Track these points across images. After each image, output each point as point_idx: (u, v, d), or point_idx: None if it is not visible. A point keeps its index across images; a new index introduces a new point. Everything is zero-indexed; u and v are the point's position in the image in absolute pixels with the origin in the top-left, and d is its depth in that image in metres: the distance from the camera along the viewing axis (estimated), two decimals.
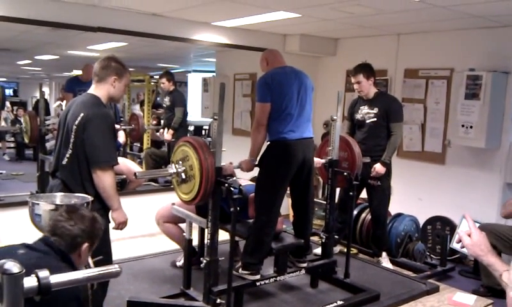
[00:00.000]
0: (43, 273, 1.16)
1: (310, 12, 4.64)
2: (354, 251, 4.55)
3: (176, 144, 3.13)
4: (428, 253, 4.79)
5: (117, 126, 5.96)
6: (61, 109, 8.23)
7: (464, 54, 5.09)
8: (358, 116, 4.49)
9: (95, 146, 2.66)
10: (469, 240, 1.60)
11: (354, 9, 4.40)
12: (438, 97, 5.36)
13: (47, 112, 8.11)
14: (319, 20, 5.00)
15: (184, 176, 2.98)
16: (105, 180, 2.67)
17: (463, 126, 4.93)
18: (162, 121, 7.01)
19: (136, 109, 9.19)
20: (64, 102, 6.42)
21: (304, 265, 3.67)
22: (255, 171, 3.59)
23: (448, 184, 5.26)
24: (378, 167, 4.30)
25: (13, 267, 1.08)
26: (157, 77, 7.88)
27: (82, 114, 2.69)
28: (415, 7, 4.17)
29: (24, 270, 1.09)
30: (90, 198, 2.44)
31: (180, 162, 3.00)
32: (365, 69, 4.39)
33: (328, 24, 5.24)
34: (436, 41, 5.35)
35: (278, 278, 3.48)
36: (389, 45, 5.78)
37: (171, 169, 3.04)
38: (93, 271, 1.29)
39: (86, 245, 1.95)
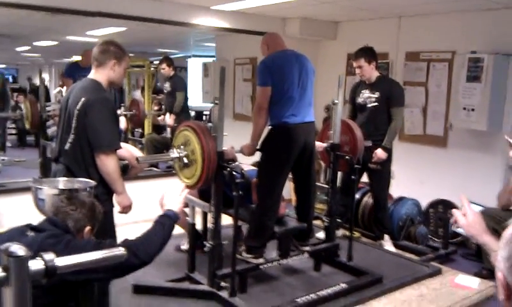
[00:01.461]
0: (49, 256, 1.16)
1: None
2: (356, 234, 4.56)
3: (178, 129, 3.12)
4: (430, 236, 4.80)
5: (118, 111, 5.95)
6: (62, 95, 8.21)
7: (465, 37, 5.06)
8: (359, 100, 4.47)
9: (97, 131, 2.66)
10: (464, 220, 1.61)
11: None
12: (439, 80, 5.33)
13: (47, 99, 8.10)
14: (319, 2, 4.96)
15: (185, 161, 2.97)
16: (108, 164, 2.67)
17: (464, 109, 4.91)
18: (163, 107, 6.99)
19: (137, 94, 9.16)
20: (65, 88, 6.39)
21: (307, 248, 3.67)
22: (257, 156, 3.58)
23: (450, 167, 5.26)
24: (379, 153, 4.29)
25: (18, 249, 1.07)
26: (157, 62, 7.84)
27: (83, 99, 2.68)
28: None
29: (31, 253, 1.09)
30: (93, 183, 2.44)
31: (182, 147, 2.99)
32: (367, 53, 4.36)
33: (328, 7, 5.19)
34: (438, 23, 5.31)
35: (281, 261, 3.48)
36: (390, 28, 5.74)
37: (173, 153, 3.02)
38: (99, 253, 1.29)
39: (88, 228, 2.00)
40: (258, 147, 3.53)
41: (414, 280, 3.59)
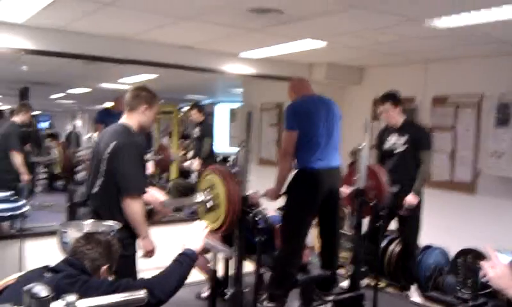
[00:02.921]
0: (71, 298, 1.18)
1: (336, 40, 4.66)
2: (382, 284, 4.45)
3: (203, 173, 3.16)
4: (459, 287, 4.64)
5: (146, 156, 6.06)
6: (92, 141, 8.43)
7: (493, 80, 5.01)
8: (386, 146, 4.44)
9: (125, 175, 2.71)
10: (493, 272, 1.56)
11: (380, 37, 4.40)
12: (467, 124, 5.26)
13: (78, 144, 8.32)
14: (345, 47, 5.03)
15: (210, 205, 2.99)
16: (134, 207, 2.72)
17: (493, 154, 4.82)
18: (190, 152, 7.10)
19: (164, 140, 9.33)
20: (97, 133, 6.57)
21: (331, 297, 3.60)
22: (282, 201, 3.57)
23: (479, 215, 5.12)
24: (410, 198, 4.21)
25: (41, 291, 1.10)
26: (186, 108, 8.01)
27: (114, 143, 2.75)
28: (442, 34, 4.15)
29: (52, 294, 1.11)
30: (118, 226, 2.47)
31: (207, 191, 3.01)
32: (392, 97, 4.36)
33: (354, 52, 5.25)
34: (465, 67, 5.29)
35: None
36: (416, 73, 5.74)
37: (198, 197, 3.05)
38: (120, 296, 1.31)
39: (105, 267, 2.02)
40: (283, 191, 3.53)
41: None
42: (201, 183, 3.11)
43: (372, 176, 4.03)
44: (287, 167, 3.49)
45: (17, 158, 5.29)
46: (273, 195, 3.55)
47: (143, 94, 2.91)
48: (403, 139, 4.33)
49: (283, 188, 3.54)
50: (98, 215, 2.74)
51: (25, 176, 5.46)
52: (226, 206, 2.85)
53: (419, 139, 4.30)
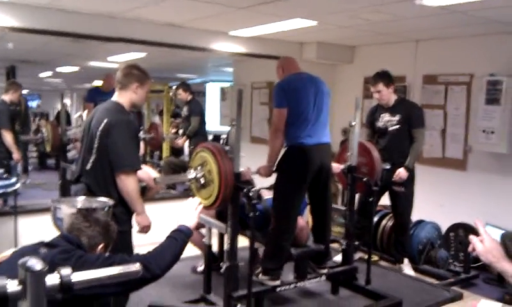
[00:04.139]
0: (65, 270, 1.17)
1: (327, 19, 4.63)
2: (375, 258, 4.50)
3: (195, 150, 3.15)
4: (451, 260, 4.71)
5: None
6: (82, 120, 8.36)
7: (483, 60, 5.03)
8: (379, 124, 4.46)
9: (118, 152, 2.71)
10: (481, 246, 1.58)
11: (371, 16, 4.38)
12: (458, 103, 5.29)
13: (68, 123, 8.24)
14: (336, 27, 5.00)
15: (202, 181, 2.99)
16: (129, 184, 2.72)
17: (484, 131, 4.86)
18: (180, 130, 7.09)
19: (155, 119, 9.29)
20: (86, 112, 6.52)
21: (325, 271, 3.64)
22: (273, 178, 3.58)
23: (470, 190, 5.18)
24: (402, 172, 4.26)
25: (36, 264, 1.09)
26: (175, 87, 7.96)
27: (106, 120, 2.74)
28: (433, 12, 4.14)
29: (47, 268, 1.10)
30: (111, 202, 2.47)
31: (199, 168, 3.01)
32: (384, 77, 4.37)
33: (345, 31, 5.23)
34: (455, 46, 5.30)
35: (298, 284, 3.46)
36: (407, 52, 5.74)
37: (190, 174, 3.05)
38: (115, 269, 1.30)
39: (101, 245, 2.02)
40: (274, 168, 3.54)
41: (434, 305, 3.54)
42: (194, 160, 3.11)
43: (364, 153, 4.05)
44: (278, 143, 3.50)
45: (7, 137, 5.25)
46: (265, 172, 3.56)
47: (135, 72, 2.90)
48: (395, 119, 4.36)
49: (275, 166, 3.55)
50: (91, 192, 2.74)
51: (16, 155, 5.44)
52: (219, 182, 2.86)
53: (411, 117, 4.34)
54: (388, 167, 4.27)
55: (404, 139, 4.34)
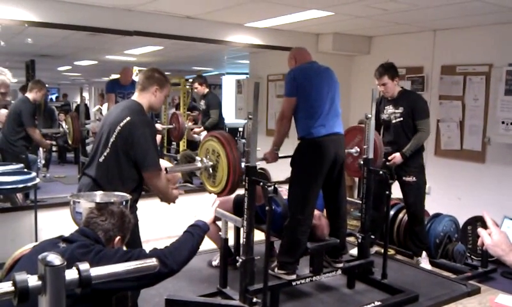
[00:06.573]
0: (84, 265, 1.19)
1: (343, 10, 4.59)
2: (391, 251, 4.48)
3: (203, 139, 3.20)
4: (468, 254, 4.66)
5: (158, 126, 6.12)
6: (101, 113, 8.45)
7: (503, 49, 4.94)
8: (384, 116, 4.47)
9: (145, 152, 2.79)
10: (490, 239, 1.56)
11: (388, 6, 4.33)
12: (476, 93, 5.21)
13: (87, 116, 8.33)
14: (352, 17, 4.95)
15: (211, 170, 3.06)
16: (159, 182, 2.87)
17: (503, 123, 4.78)
18: (198, 124, 7.12)
19: (172, 111, 9.33)
20: (104, 105, 6.58)
21: (341, 265, 3.64)
22: (289, 172, 3.57)
23: (488, 183, 5.11)
24: (397, 157, 4.28)
25: (55, 259, 1.11)
26: (192, 80, 7.98)
27: (128, 118, 2.81)
28: (451, 1, 4.07)
29: (65, 263, 1.12)
30: (129, 197, 2.50)
31: (208, 156, 3.09)
32: (390, 70, 4.35)
33: (362, 22, 5.18)
34: (474, 36, 5.21)
35: (314, 278, 3.46)
36: (425, 42, 5.66)
37: (199, 162, 3.13)
38: (132, 264, 1.32)
39: (118, 238, 2.06)
40: (289, 162, 3.54)
41: (451, 299, 3.51)
42: (202, 148, 3.19)
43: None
44: (283, 131, 3.53)
45: (35, 134, 5.35)
46: (271, 157, 3.57)
47: (156, 76, 2.98)
48: (399, 111, 4.34)
49: (281, 154, 3.57)
50: (98, 185, 2.78)
51: (45, 143, 5.73)
52: (228, 170, 2.92)
53: (414, 109, 4.31)
54: (389, 150, 4.32)
55: (409, 132, 4.33)
